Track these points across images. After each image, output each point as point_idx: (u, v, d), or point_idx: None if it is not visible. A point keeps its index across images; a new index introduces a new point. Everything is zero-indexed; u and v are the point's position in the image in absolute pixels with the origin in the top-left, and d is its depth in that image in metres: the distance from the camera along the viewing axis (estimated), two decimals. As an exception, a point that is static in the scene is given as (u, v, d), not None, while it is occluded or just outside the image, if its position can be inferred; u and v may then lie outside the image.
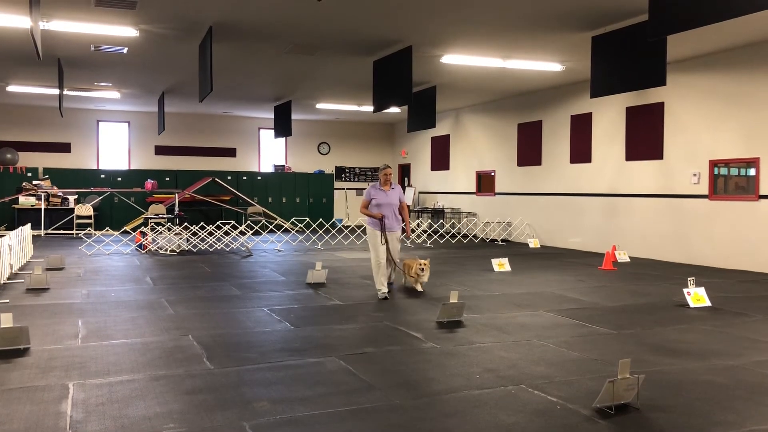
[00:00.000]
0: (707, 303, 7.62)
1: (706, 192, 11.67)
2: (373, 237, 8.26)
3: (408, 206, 8.19)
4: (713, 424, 3.86)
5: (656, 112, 12.64)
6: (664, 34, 7.32)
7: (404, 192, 21.29)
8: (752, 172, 10.91)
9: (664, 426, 3.82)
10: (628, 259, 12.34)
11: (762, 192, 10.72)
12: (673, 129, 12.32)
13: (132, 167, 20.09)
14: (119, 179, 19.29)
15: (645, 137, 12.92)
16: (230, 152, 21.27)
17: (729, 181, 11.40)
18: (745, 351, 5.59)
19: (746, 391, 4.48)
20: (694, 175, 11.85)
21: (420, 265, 8.57)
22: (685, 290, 7.75)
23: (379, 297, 8.09)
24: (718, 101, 11.42)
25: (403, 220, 8.56)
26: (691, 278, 7.96)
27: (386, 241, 8.23)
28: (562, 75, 13.52)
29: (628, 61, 9.30)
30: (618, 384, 4.00)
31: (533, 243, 15.27)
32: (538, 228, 15.90)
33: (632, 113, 13.22)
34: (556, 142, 15.33)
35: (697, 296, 7.65)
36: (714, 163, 11.55)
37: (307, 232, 18.31)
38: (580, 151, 14.61)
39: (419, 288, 8.62)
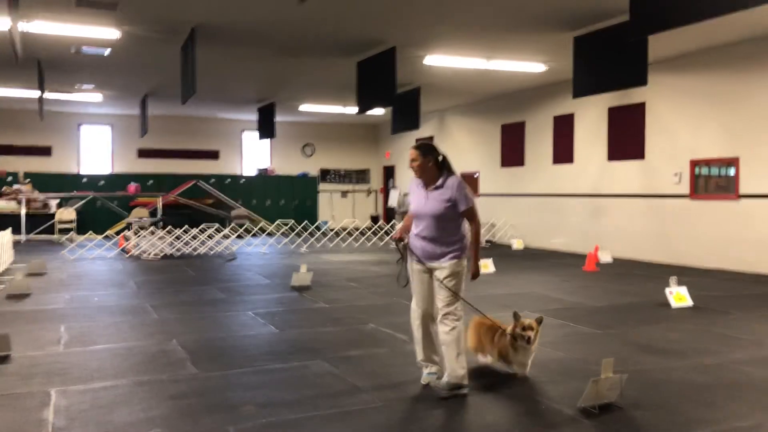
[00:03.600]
0: (689, 302, 7.69)
1: (687, 192, 11.79)
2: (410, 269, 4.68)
3: (465, 212, 4.43)
4: (695, 422, 3.90)
5: (638, 112, 12.75)
6: (645, 35, 7.40)
7: (400, 193, 20.54)
8: (732, 171, 11.04)
9: (647, 424, 3.86)
10: (611, 260, 12.41)
11: (742, 191, 10.85)
12: (655, 129, 12.43)
13: (115, 171, 19.92)
14: (102, 183, 19.09)
15: (627, 137, 13.02)
16: (213, 155, 21.16)
17: (710, 181, 11.52)
18: (726, 349, 5.66)
19: (727, 389, 4.53)
20: (676, 174, 11.96)
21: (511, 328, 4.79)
22: (667, 290, 7.82)
23: (422, 381, 4.58)
24: (699, 101, 11.55)
25: (461, 245, 4.51)
26: (673, 278, 8.03)
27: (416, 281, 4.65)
28: (545, 75, 13.60)
29: (609, 62, 9.38)
30: (601, 383, 4.03)
31: (516, 244, 15.31)
32: (522, 229, 15.95)
33: (614, 113, 13.33)
34: (539, 142, 15.42)
35: (679, 295, 7.72)
36: (695, 163, 11.67)
37: (292, 234, 18.25)
38: (563, 152, 14.70)
39: (512, 369, 4.80)
